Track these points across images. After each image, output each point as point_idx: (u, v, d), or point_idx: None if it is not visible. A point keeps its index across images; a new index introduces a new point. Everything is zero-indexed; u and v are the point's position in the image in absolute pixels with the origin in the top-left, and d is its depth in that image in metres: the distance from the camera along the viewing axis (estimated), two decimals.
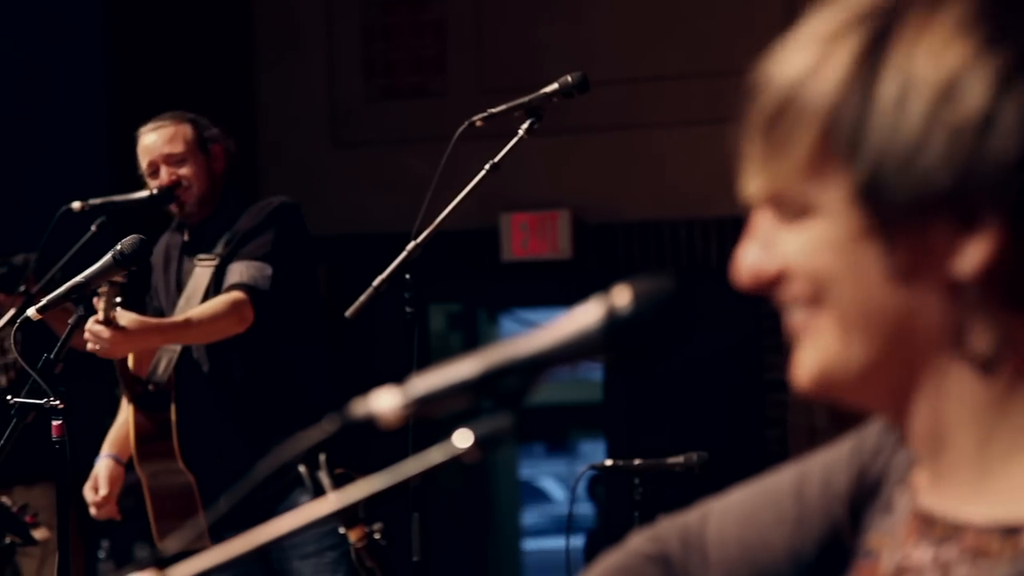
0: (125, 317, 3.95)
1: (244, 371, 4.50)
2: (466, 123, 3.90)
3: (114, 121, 7.40)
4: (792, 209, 1.22)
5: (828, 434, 7.82)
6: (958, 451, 1.22)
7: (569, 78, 3.90)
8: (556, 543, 15.08)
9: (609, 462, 4.54)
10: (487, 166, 3.88)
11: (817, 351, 1.24)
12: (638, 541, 1.55)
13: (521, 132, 3.87)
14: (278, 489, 4.38)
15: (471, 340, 9.24)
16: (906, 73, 1.16)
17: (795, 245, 1.23)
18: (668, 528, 1.55)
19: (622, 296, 1.36)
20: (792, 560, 1.47)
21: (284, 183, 6.67)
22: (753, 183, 1.26)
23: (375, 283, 3.92)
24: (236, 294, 4.31)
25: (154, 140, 4.55)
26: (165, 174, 4.51)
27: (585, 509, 10.19)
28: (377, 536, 2.20)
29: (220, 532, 4.38)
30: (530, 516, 13.98)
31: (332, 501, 1.55)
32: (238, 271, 4.38)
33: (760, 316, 6.92)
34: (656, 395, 7.05)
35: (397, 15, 7.71)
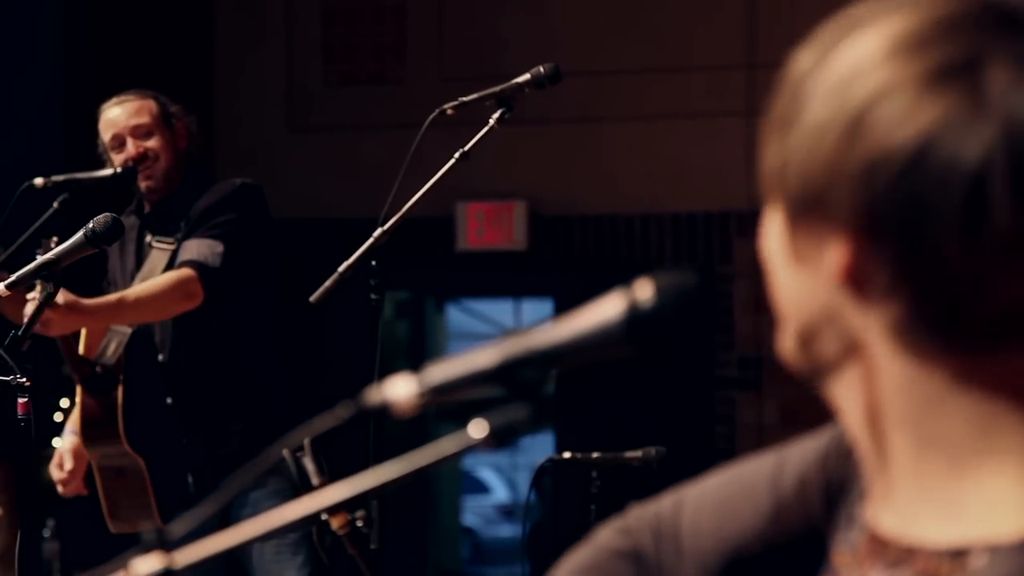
0: (62, 295, 3.92)
1: (191, 354, 4.47)
2: (437, 111, 3.89)
3: (70, 99, 7.33)
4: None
5: (777, 431, 7.87)
6: (897, 465, 1.24)
7: (541, 68, 3.89)
8: (496, 533, 15.09)
9: (567, 455, 4.54)
10: (456, 155, 3.87)
11: (782, 333, 1.31)
12: (607, 535, 1.54)
13: (492, 122, 3.87)
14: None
15: (418, 329, 9.23)
16: (818, 80, 1.25)
17: (767, 235, 1.31)
18: (639, 519, 1.54)
19: (644, 290, 1.35)
20: (766, 546, 1.47)
21: (240, 166, 6.62)
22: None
23: (340, 269, 3.91)
24: (184, 271, 4.28)
25: (119, 113, 4.52)
26: (132, 146, 4.48)
27: (524, 499, 10.22)
28: (359, 524, 2.19)
29: (172, 514, 4.37)
30: (470, 506, 13.97)
31: (337, 491, 1.54)
32: (190, 249, 4.36)
33: (711, 312, 6.95)
34: (605, 389, 7.06)
35: (357, 1, 7.69)
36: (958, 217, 1.16)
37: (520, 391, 1.40)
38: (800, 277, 1.26)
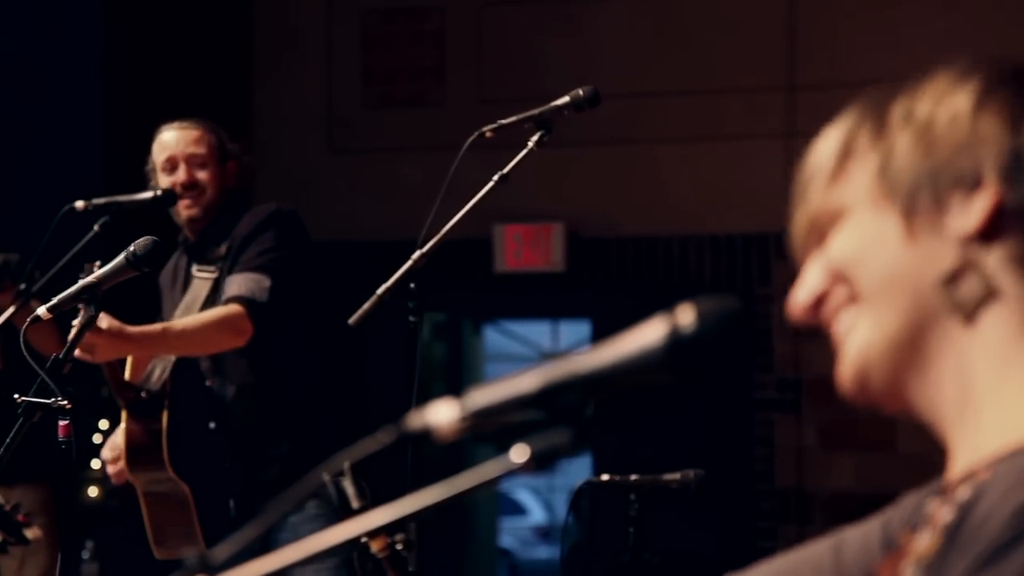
0: (106, 321, 3.92)
1: (234, 378, 4.48)
2: (476, 133, 3.89)
3: (109, 122, 7.37)
4: (828, 228, 1.37)
5: (816, 453, 7.82)
6: (977, 402, 1.31)
7: (581, 91, 3.88)
8: (533, 555, 15.06)
9: (606, 477, 4.53)
10: (496, 177, 3.87)
11: (856, 340, 1.35)
12: None
13: (531, 144, 3.87)
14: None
15: (455, 350, 9.23)
16: (912, 101, 1.36)
17: (834, 246, 1.37)
18: None
19: (686, 315, 1.35)
20: None
21: (278, 188, 6.66)
22: (796, 227, 1.41)
23: (379, 291, 3.91)
24: (233, 307, 4.28)
25: (179, 138, 4.53)
26: (184, 172, 4.50)
27: (561, 521, 10.21)
28: (399, 547, 2.19)
29: (216, 539, 4.37)
30: (507, 528, 13.95)
31: (379, 515, 1.53)
32: (236, 283, 4.35)
33: (751, 334, 6.93)
34: (643, 411, 7.05)
35: (397, 23, 7.71)
36: None
37: (561, 416, 1.40)
38: (916, 251, 1.32)
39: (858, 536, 1.51)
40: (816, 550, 1.54)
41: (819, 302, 1.38)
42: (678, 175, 7.24)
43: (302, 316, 4.55)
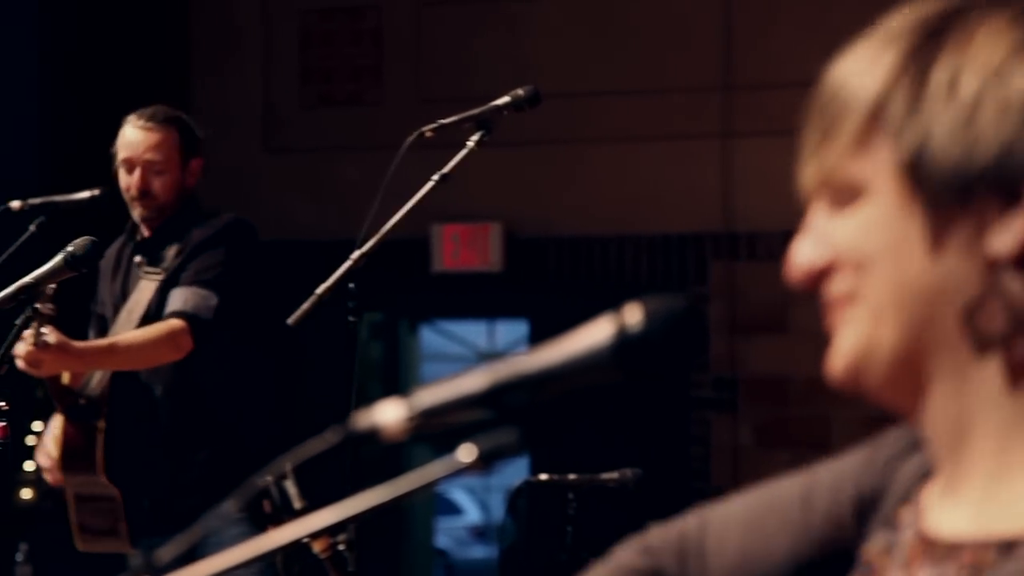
0: (53, 336, 3.91)
1: (165, 381, 4.46)
2: (416, 133, 3.89)
3: (45, 121, 7.31)
4: (842, 193, 1.24)
5: (751, 452, 7.88)
6: (978, 448, 1.22)
7: (521, 91, 3.89)
8: (469, 555, 15.05)
9: (544, 477, 4.53)
10: (436, 177, 3.87)
11: (852, 337, 1.25)
12: (627, 555, 1.52)
13: (471, 144, 3.87)
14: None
15: (391, 350, 9.21)
16: (959, 59, 1.19)
17: (844, 230, 1.24)
18: (661, 539, 1.53)
19: (633, 314, 1.35)
20: (794, 566, 1.46)
21: (216, 187, 6.60)
22: (806, 172, 1.26)
23: (319, 291, 3.90)
24: (175, 323, 4.27)
25: (140, 140, 4.48)
26: (138, 179, 4.46)
27: (499, 521, 10.20)
28: (341, 548, 2.19)
29: (137, 539, 4.36)
30: (442, 528, 13.95)
31: (330, 514, 1.53)
32: (182, 297, 4.33)
33: (704, 336, 6.95)
34: (580, 410, 7.06)
35: (334, 22, 7.69)
36: None
37: (508, 415, 1.40)
38: (938, 266, 1.19)
39: (829, 485, 1.45)
40: (785, 497, 1.48)
41: (817, 275, 1.27)
42: (615, 175, 7.26)
43: (251, 330, 4.54)
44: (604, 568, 1.54)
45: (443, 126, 3.87)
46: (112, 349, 4.19)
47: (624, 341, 1.34)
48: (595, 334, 1.35)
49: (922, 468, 1.36)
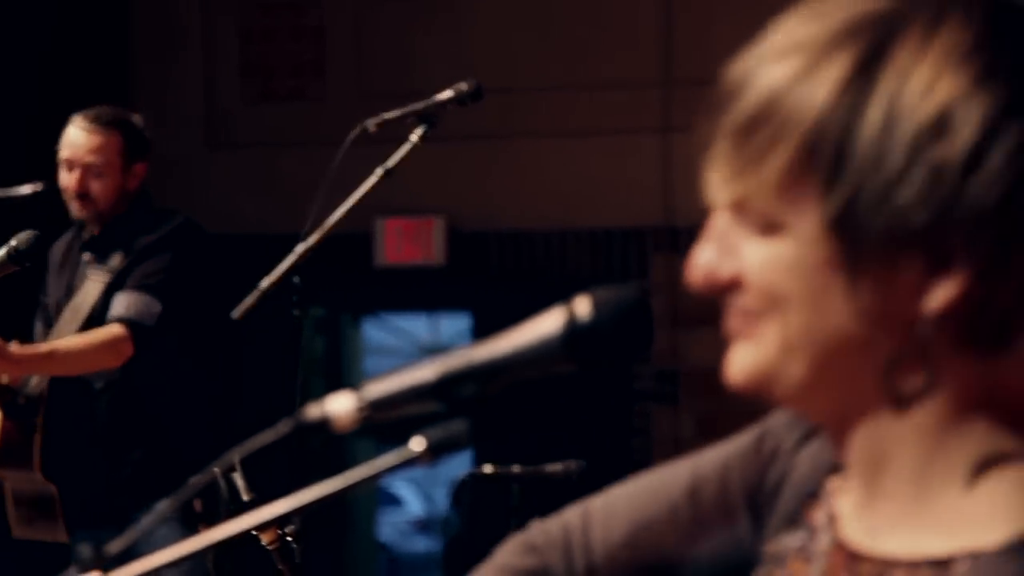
0: None
1: (112, 390, 4.45)
2: (359, 128, 3.91)
3: None
4: (758, 220, 1.19)
5: (693, 444, 7.93)
6: (895, 479, 1.21)
7: (464, 86, 3.92)
8: (412, 547, 15.04)
9: (488, 469, 4.55)
10: (380, 171, 3.89)
11: (754, 355, 1.22)
12: (512, 555, 1.51)
13: (415, 139, 3.89)
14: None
15: (334, 344, 9.20)
16: (895, 100, 1.13)
17: (756, 258, 1.19)
18: (545, 536, 1.51)
19: (582, 305, 1.36)
20: (689, 562, 1.45)
21: (159, 183, 6.59)
22: (720, 191, 1.22)
23: (263, 285, 3.91)
24: (116, 330, 4.25)
25: (81, 141, 4.45)
26: (75, 181, 4.44)
27: (444, 512, 10.21)
28: (289, 539, 2.20)
29: (76, 530, 4.35)
30: (385, 521, 13.94)
31: (278, 506, 1.53)
32: (126, 303, 4.31)
33: (651, 327, 6.98)
34: (522, 401, 7.08)
35: (276, 18, 7.68)
36: None
37: (459, 407, 1.41)
38: (857, 317, 1.16)
39: (715, 476, 1.43)
40: (671, 489, 1.46)
41: (719, 284, 1.23)
42: (556, 169, 7.28)
43: (195, 333, 4.53)
44: (489, 569, 1.51)
45: (387, 121, 3.89)
46: (51, 356, 4.18)
47: (574, 331, 1.35)
48: (545, 325, 1.36)
49: (822, 459, 1.35)
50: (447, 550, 8.74)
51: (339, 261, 7.25)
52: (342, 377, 8.31)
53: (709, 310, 1.33)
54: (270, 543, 2.22)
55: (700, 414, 7.08)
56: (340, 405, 1.46)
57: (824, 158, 1.14)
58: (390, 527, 14.49)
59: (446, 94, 3.92)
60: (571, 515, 1.50)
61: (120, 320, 4.26)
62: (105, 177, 4.44)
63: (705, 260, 1.23)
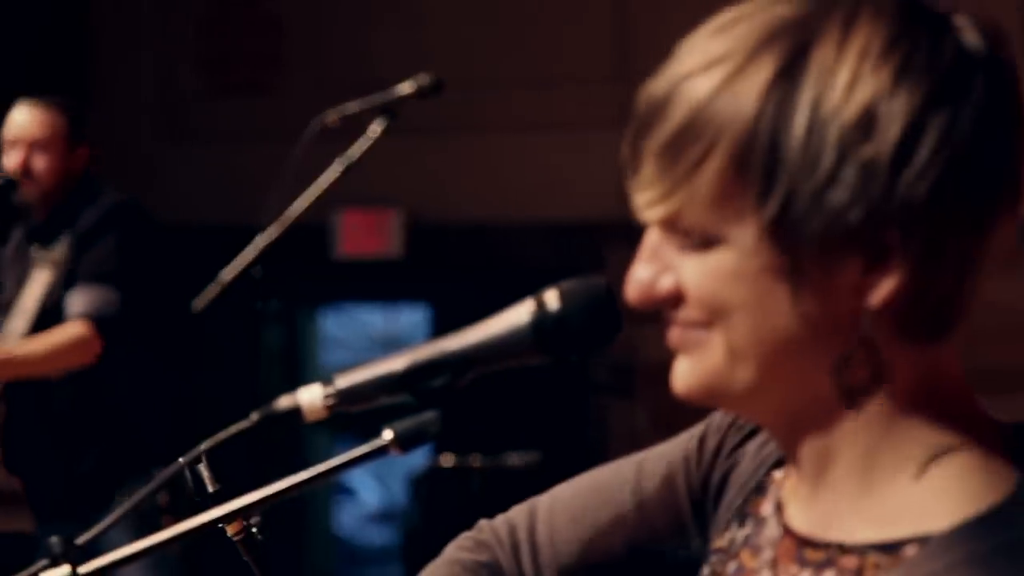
0: None
1: (71, 382, 4.43)
2: (320, 121, 3.91)
3: None
4: (693, 235, 1.20)
5: (648, 436, 7.94)
6: (842, 471, 1.23)
7: (424, 79, 3.93)
8: (370, 538, 15.01)
9: (447, 463, 4.57)
10: (344, 165, 3.90)
11: (700, 365, 1.23)
12: (461, 551, 1.52)
13: (377, 132, 3.90)
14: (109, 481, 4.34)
15: (291, 336, 9.19)
16: (819, 103, 1.15)
17: (695, 272, 1.20)
18: (492, 532, 1.53)
19: (551, 297, 1.38)
20: (633, 553, 1.46)
21: (114, 175, 6.57)
22: (651, 210, 1.22)
23: (222, 277, 3.92)
24: (80, 328, 4.22)
25: (23, 120, 4.44)
26: (17, 157, 4.42)
27: (402, 504, 10.21)
28: (254, 530, 2.20)
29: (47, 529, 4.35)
30: (342, 511, 13.94)
31: (250, 497, 1.55)
32: (82, 299, 4.28)
33: (619, 318, 7.00)
34: (480, 392, 7.09)
35: (232, 10, 7.66)
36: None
37: (429, 398, 1.43)
38: (800, 317, 1.18)
39: (659, 475, 1.45)
40: (615, 488, 1.47)
41: (657, 299, 1.24)
42: (512, 163, 7.29)
43: (151, 317, 4.51)
44: (440, 563, 1.53)
45: (347, 115, 3.90)
46: (10, 362, 4.16)
47: (543, 323, 1.37)
48: (515, 317, 1.38)
49: (765, 454, 1.38)
50: (405, 542, 8.75)
51: (297, 253, 7.24)
52: (299, 369, 8.31)
53: None
54: (236, 534, 2.22)
55: (655, 407, 7.11)
56: (310, 395, 1.47)
57: (756, 167, 1.16)
58: (347, 519, 14.47)
59: (406, 88, 3.93)
60: (518, 514, 1.52)
61: (82, 316, 4.24)
62: (48, 154, 4.42)
63: (641, 276, 1.24)
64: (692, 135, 1.17)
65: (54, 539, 1.50)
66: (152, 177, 7.37)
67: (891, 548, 1.19)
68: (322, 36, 7.55)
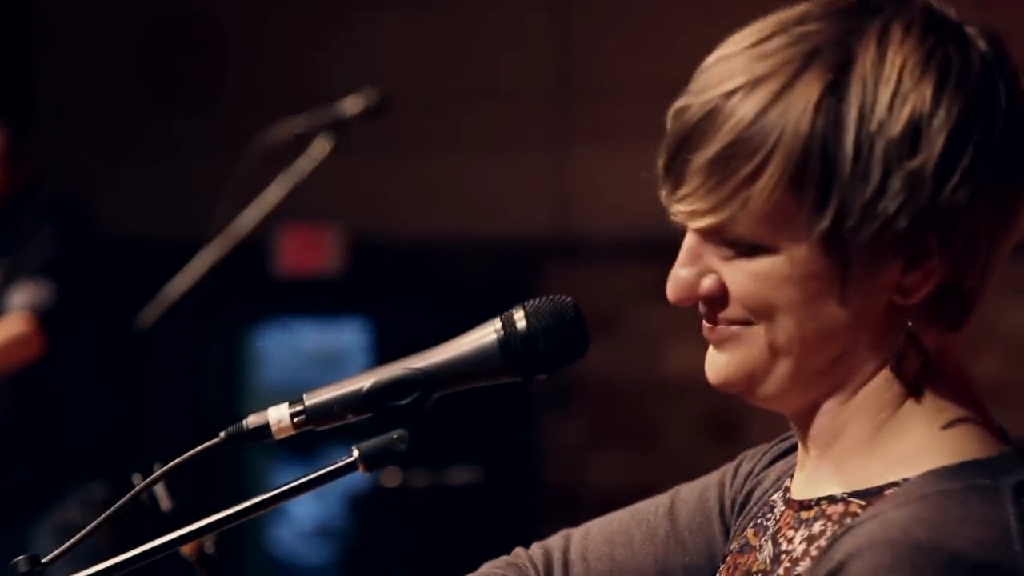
0: None
1: (7, 390, 4.41)
2: (266, 139, 3.92)
3: None
4: (738, 246, 1.28)
5: (586, 450, 7.91)
6: (849, 444, 1.31)
7: (370, 99, 3.94)
8: (307, 556, 14.93)
9: (391, 482, 4.56)
10: (290, 183, 3.91)
11: (739, 359, 1.31)
12: (493, 567, 1.56)
13: (325, 150, 3.91)
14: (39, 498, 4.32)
15: (229, 352, 9.15)
16: (866, 118, 1.23)
17: (742, 275, 1.28)
18: (527, 554, 1.57)
19: (518, 315, 1.40)
20: (663, 574, 1.51)
21: (58, 190, 6.56)
22: (697, 218, 1.28)
23: (164, 292, 3.92)
24: (21, 324, 4.20)
25: None
26: None
27: (340, 519, 10.17)
28: (209, 550, 2.20)
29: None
30: (280, 529, 13.88)
31: (210, 519, 1.53)
32: (22, 294, 4.26)
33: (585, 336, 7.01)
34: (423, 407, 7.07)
35: (177, 26, 7.64)
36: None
37: (396, 417, 1.44)
38: (847, 314, 1.26)
39: (693, 498, 1.51)
40: (650, 510, 1.53)
41: (694, 297, 1.33)
42: (453, 179, 7.31)
43: (89, 315, 4.50)
44: None
45: (296, 135, 3.90)
46: None
47: (511, 342, 1.39)
48: (482, 335, 1.40)
49: (787, 470, 1.44)
50: (343, 559, 8.72)
51: (236, 269, 7.23)
52: (238, 386, 8.27)
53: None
54: (191, 554, 2.22)
55: (592, 421, 7.14)
56: (279, 413, 1.47)
57: (811, 181, 1.24)
58: (285, 536, 14.40)
59: (351, 105, 3.95)
60: (553, 538, 1.57)
61: (23, 310, 4.21)
62: None
63: (683, 277, 1.31)
64: (744, 151, 1.24)
65: (20, 558, 1.50)
66: (94, 192, 7.34)
67: (874, 492, 1.26)
68: (264, 51, 7.54)
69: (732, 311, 1.30)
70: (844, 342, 1.28)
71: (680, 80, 1.36)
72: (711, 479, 1.52)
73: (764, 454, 1.50)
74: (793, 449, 1.43)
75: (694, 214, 1.28)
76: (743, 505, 1.48)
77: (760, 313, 1.28)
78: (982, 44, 1.27)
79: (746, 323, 1.30)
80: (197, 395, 7.02)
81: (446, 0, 7.39)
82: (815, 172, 1.23)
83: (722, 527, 1.49)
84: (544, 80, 7.23)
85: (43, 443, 4.43)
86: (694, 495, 1.52)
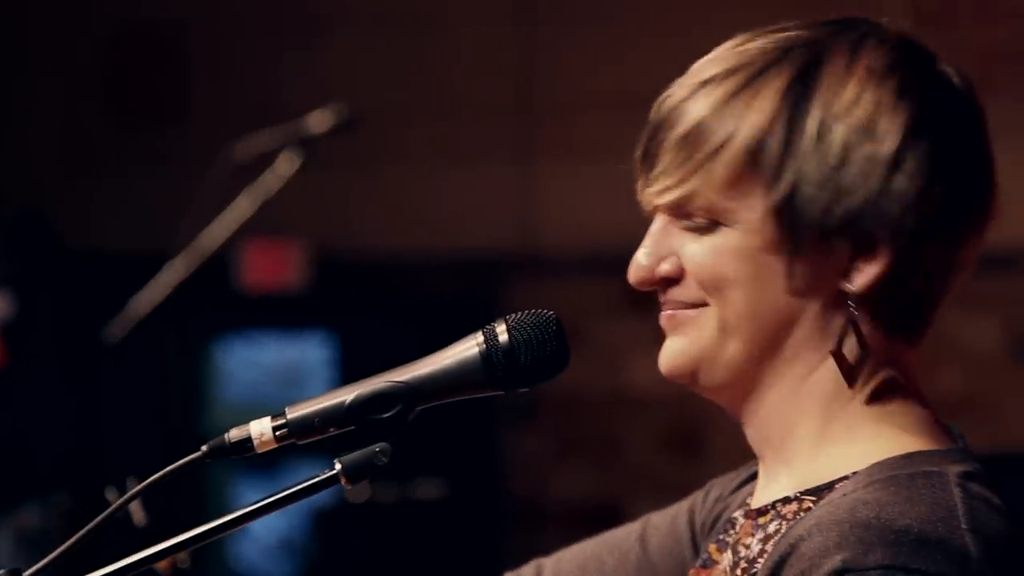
0: None
1: None
2: (232, 155, 3.92)
3: None
4: (698, 218, 1.35)
5: (551, 462, 7.93)
6: (798, 445, 1.36)
7: (339, 115, 3.94)
8: (270, 571, 14.87)
9: (357, 497, 4.56)
10: (257, 199, 3.90)
11: (691, 344, 1.37)
12: None
13: (293, 167, 3.91)
14: None
15: (194, 367, 9.12)
16: (829, 108, 1.32)
17: (697, 250, 1.35)
18: None
19: (500, 328, 1.42)
20: None
21: (18, 204, 6.54)
22: (664, 194, 1.36)
23: (129, 308, 3.91)
24: None
25: None
26: None
27: (304, 533, 10.15)
28: (184, 566, 2.21)
29: None
30: (243, 543, 13.83)
31: (198, 530, 1.54)
32: None
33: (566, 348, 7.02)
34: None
35: (139, 40, 7.63)
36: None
37: (379, 430, 1.45)
38: (793, 297, 1.33)
39: (664, 524, 1.56)
40: (621, 537, 1.57)
41: (657, 280, 1.39)
42: (417, 194, 7.32)
43: (51, 329, 4.49)
44: None
45: (261, 154, 3.90)
46: None
47: (493, 355, 1.41)
48: (464, 349, 1.42)
49: (751, 491, 1.47)
50: (307, 574, 8.70)
51: (198, 283, 7.21)
52: (201, 399, 8.25)
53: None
54: (164, 570, 2.22)
55: (556, 435, 7.15)
56: (260, 427, 1.48)
57: (770, 155, 1.32)
58: (248, 551, 14.34)
59: (317, 122, 3.95)
60: (524, 568, 1.62)
61: None
62: None
63: (643, 259, 1.38)
64: (711, 128, 1.33)
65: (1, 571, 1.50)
66: (58, 206, 7.32)
67: (824, 488, 1.31)
68: (228, 65, 7.54)
69: (687, 291, 1.37)
70: (790, 324, 1.33)
71: (643, 94, 1.42)
72: (681, 506, 1.57)
73: (731, 480, 1.55)
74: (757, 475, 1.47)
75: (663, 191, 1.36)
76: (711, 527, 1.52)
77: (712, 287, 1.34)
78: (954, 76, 1.36)
79: (701, 305, 1.35)
80: (161, 408, 7.01)
81: (410, 16, 7.39)
82: (775, 147, 1.32)
83: (692, 551, 1.53)
84: (507, 95, 7.25)
85: (6, 455, 4.42)
86: (665, 521, 1.56)
